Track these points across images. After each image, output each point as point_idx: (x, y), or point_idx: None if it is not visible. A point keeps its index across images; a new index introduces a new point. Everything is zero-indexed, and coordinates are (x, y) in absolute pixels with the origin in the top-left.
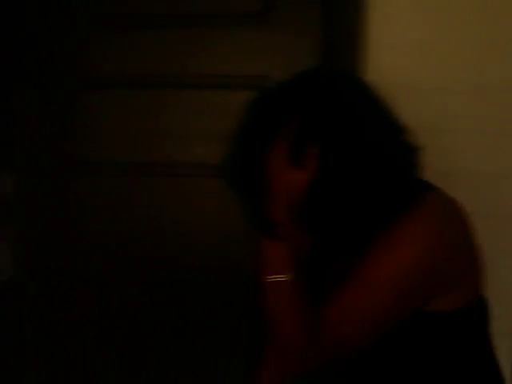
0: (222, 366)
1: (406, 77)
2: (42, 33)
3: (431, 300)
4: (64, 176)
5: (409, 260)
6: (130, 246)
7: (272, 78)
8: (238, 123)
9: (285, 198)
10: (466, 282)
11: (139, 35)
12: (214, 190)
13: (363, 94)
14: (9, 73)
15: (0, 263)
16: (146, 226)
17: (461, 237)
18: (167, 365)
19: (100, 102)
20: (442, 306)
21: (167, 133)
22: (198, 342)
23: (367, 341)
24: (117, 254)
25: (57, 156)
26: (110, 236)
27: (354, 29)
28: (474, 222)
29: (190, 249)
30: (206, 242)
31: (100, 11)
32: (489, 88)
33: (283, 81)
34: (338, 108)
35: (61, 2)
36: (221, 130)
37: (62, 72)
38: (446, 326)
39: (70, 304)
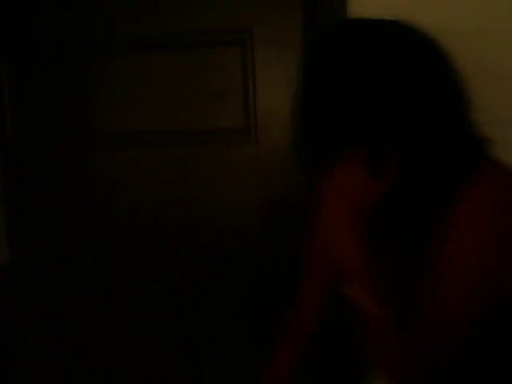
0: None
1: None
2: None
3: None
4: (75, 149)
5: (484, 247)
6: (149, 221)
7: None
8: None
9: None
10: None
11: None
12: (221, 155)
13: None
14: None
15: None
16: (167, 197)
17: None
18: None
19: (97, 70)
20: None
21: (161, 99)
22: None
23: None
24: (134, 230)
25: (65, 129)
26: (126, 210)
27: None
28: None
29: (215, 219)
30: (232, 210)
31: None
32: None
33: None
34: (421, 95)
35: None
36: (214, 89)
37: (67, 41)
38: None
39: (78, 283)
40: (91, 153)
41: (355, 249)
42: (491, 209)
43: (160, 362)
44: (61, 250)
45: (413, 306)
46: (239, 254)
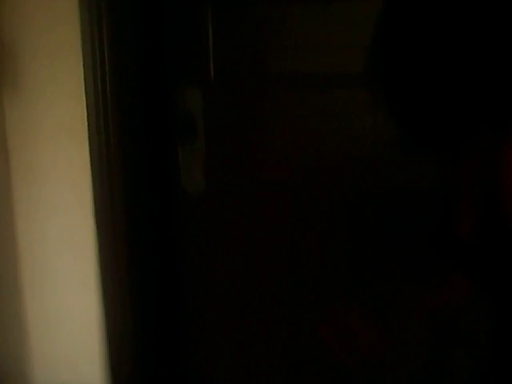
0: None
1: None
2: None
3: None
4: (256, 89)
5: None
6: (316, 161)
7: None
8: None
9: None
10: None
11: None
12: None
13: None
14: None
15: (191, 178)
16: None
17: None
18: None
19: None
20: None
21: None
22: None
23: None
24: (303, 166)
25: (248, 69)
26: (297, 149)
27: None
28: None
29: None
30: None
31: None
32: None
33: None
34: None
35: None
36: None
37: None
38: None
39: (259, 213)
40: (266, 92)
41: None
42: None
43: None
44: (250, 186)
45: None
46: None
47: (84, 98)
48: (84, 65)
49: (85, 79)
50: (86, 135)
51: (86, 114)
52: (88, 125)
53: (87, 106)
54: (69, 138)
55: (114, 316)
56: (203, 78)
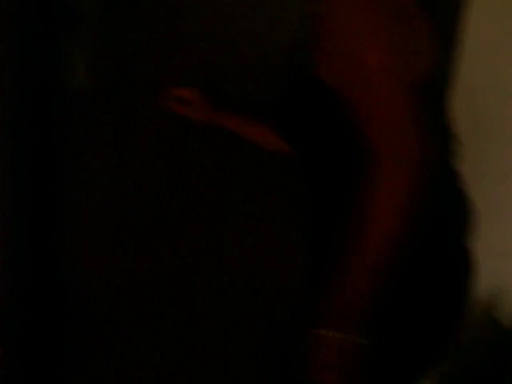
0: None
1: None
2: None
3: None
4: None
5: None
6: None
7: None
8: None
9: None
10: None
11: None
12: None
13: None
14: None
15: (75, 71)
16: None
17: None
18: None
19: None
20: None
21: None
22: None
23: None
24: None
25: None
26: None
27: None
28: None
29: None
30: None
31: None
32: None
33: None
34: None
35: None
36: None
37: None
38: None
39: (142, 112)
40: None
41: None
42: None
43: None
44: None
45: None
46: None
47: None
48: None
49: None
50: None
51: None
52: None
53: None
54: None
55: None
56: None
